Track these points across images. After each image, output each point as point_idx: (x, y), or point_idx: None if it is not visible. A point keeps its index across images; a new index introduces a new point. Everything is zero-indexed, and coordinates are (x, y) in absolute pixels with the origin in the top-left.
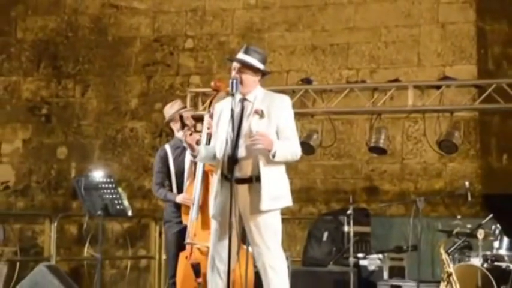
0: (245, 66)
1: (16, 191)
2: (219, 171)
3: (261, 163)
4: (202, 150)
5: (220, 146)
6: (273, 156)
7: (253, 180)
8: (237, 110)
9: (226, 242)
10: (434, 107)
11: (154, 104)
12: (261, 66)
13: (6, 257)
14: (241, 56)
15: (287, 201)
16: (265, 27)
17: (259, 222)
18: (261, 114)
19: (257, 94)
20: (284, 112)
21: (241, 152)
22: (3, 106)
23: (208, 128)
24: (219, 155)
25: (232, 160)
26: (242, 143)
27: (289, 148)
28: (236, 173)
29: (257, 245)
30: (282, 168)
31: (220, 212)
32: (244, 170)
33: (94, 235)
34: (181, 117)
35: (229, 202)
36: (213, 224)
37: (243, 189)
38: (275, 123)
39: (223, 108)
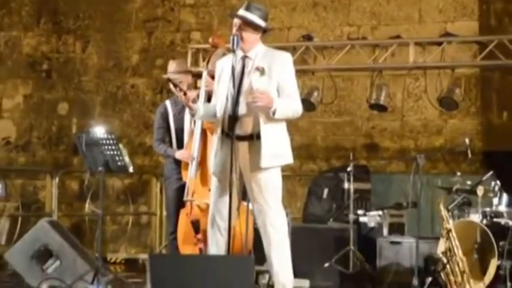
0: (246, 23)
1: (17, 147)
2: (219, 129)
3: (262, 120)
4: (200, 108)
5: (220, 103)
6: (273, 114)
7: (254, 137)
8: (238, 67)
9: (227, 199)
10: (435, 64)
11: (155, 60)
12: (262, 23)
13: (8, 212)
14: (242, 12)
15: (287, 158)
16: None
17: (259, 180)
18: (261, 71)
19: (258, 51)
20: (285, 69)
21: (242, 110)
22: (4, 61)
23: (207, 86)
24: (220, 112)
25: (233, 117)
26: (243, 101)
27: (290, 106)
28: (236, 130)
29: (257, 202)
30: (283, 125)
31: (220, 169)
32: (244, 127)
33: (95, 191)
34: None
35: (230, 159)
36: (214, 181)
37: (243, 147)
38: (276, 80)
39: (224, 65)
